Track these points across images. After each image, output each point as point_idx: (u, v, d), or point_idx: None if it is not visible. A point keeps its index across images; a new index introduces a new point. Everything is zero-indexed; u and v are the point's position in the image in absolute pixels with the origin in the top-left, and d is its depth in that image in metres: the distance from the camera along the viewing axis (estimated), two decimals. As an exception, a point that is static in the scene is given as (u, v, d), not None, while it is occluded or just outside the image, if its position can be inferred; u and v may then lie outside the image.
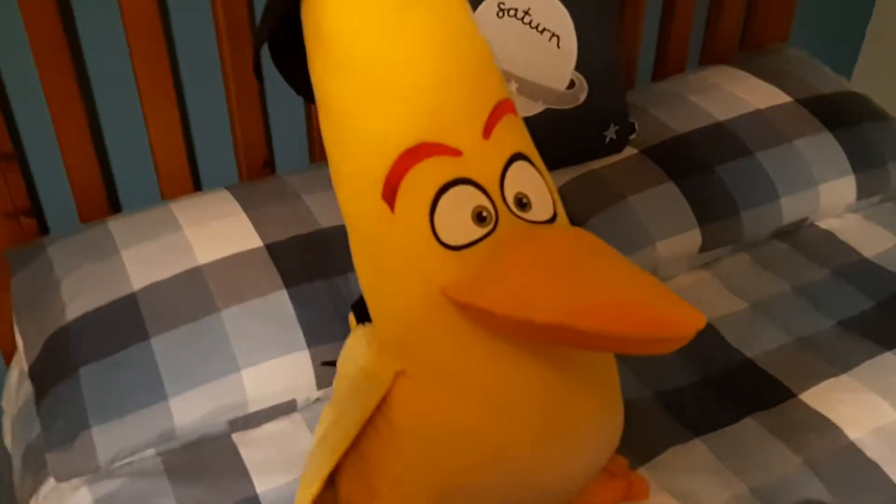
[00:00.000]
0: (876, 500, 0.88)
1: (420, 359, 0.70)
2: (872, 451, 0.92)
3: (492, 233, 0.65)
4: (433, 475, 0.72)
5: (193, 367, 0.93)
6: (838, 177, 1.25)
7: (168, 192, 1.18)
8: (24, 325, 1.01)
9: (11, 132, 1.09)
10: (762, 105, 1.30)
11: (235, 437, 0.96)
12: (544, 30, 1.13)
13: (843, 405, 0.97)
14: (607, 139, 1.22)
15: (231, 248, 1.02)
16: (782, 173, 1.22)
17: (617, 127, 1.22)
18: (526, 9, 1.11)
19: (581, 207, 1.12)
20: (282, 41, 0.72)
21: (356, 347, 0.80)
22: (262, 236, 1.04)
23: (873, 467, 0.90)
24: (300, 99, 1.22)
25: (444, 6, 0.67)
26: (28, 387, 1.00)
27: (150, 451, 0.93)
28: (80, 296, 0.98)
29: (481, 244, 0.65)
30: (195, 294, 0.97)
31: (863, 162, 1.26)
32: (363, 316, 0.80)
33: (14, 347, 1.11)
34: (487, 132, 0.66)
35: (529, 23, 1.12)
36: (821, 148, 1.26)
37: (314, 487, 0.72)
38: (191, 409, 0.92)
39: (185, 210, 1.08)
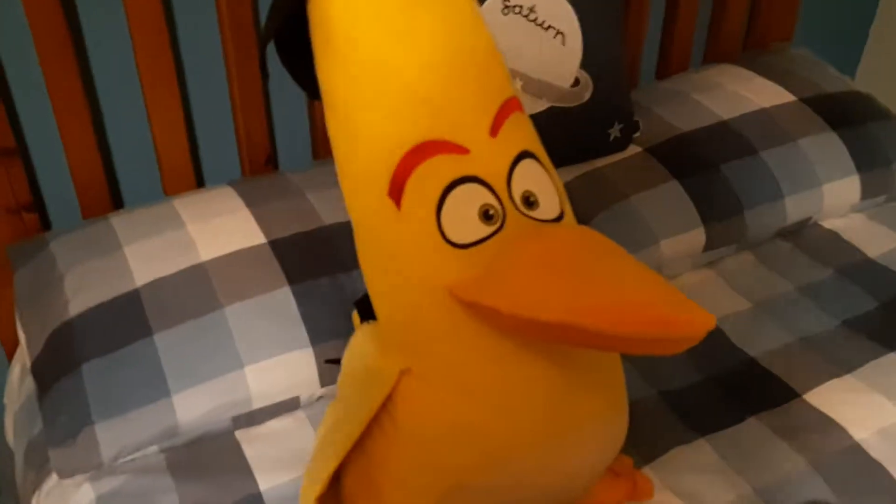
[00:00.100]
0: (880, 500, 0.87)
1: (425, 357, 0.70)
2: (877, 451, 0.92)
3: (499, 231, 0.65)
4: (438, 474, 0.72)
5: (197, 364, 0.93)
6: (842, 176, 1.24)
7: (171, 188, 1.18)
8: (27, 320, 1.01)
9: (14, 127, 1.09)
10: (766, 104, 1.30)
11: (239, 434, 0.96)
12: (549, 27, 1.12)
13: (848, 405, 0.97)
14: (611, 137, 1.22)
15: (234, 244, 1.02)
16: (786, 172, 1.22)
17: (621, 125, 1.22)
18: (531, 6, 1.11)
19: (585, 206, 1.12)
20: (288, 38, 0.72)
21: (361, 345, 0.79)
22: (265, 233, 1.03)
23: (878, 468, 0.90)
24: (303, 95, 1.23)
25: (451, 3, 0.67)
26: (30, 383, 1.00)
27: (154, 448, 0.93)
28: (83, 292, 0.98)
29: (488, 243, 0.65)
30: (198, 290, 0.97)
31: (867, 162, 1.26)
32: (367, 314, 0.80)
33: (16, 343, 1.11)
34: (495, 130, 0.66)
35: (534, 20, 1.11)
36: (825, 147, 1.25)
37: (318, 486, 0.72)
38: (194, 406, 0.92)
39: (189, 206, 1.08)
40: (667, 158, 1.21)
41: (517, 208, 0.66)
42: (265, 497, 0.89)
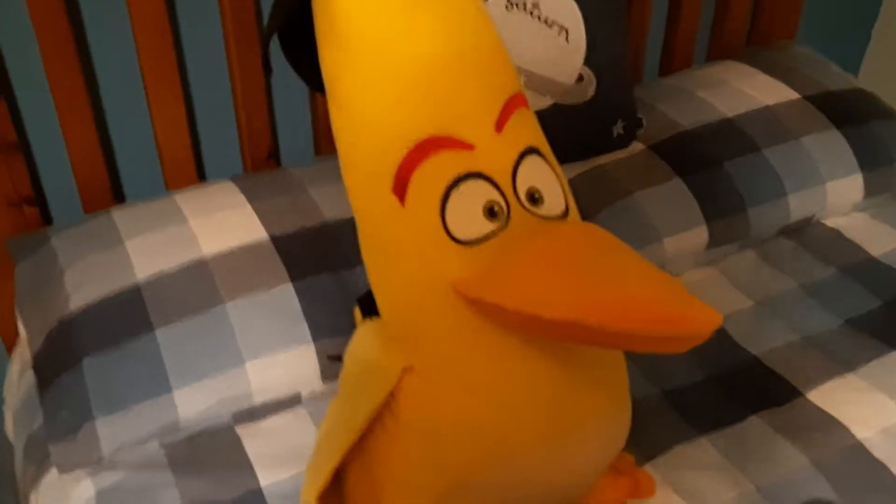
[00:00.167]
0: (882, 499, 0.87)
1: (428, 354, 0.70)
2: (879, 450, 0.92)
3: (503, 228, 0.64)
4: (440, 471, 0.72)
5: (198, 359, 0.93)
6: (846, 175, 1.24)
7: (172, 183, 1.17)
8: (27, 315, 1.01)
9: (15, 121, 1.09)
10: (770, 101, 1.29)
11: (239, 429, 0.95)
12: (553, 23, 1.12)
13: (850, 404, 0.97)
14: (614, 134, 1.22)
15: (236, 239, 1.01)
16: (790, 170, 1.21)
17: (624, 122, 1.22)
18: (535, 2, 1.10)
19: (588, 203, 1.11)
20: (291, 31, 0.71)
21: (363, 342, 0.79)
22: (267, 228, 1.03)
23: (880, 467, 0.90)
24: (305, 90, 1.23)
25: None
26: (30, 377, 1.00)
27: (154, 443, 0.92)
28: (84, 286, 0.97)
29: (492, 239, 0.64)
30: (200, 286, 0.97)
31: (870, 160, 1.26)
32: (369, 310, 0.80)
33: (16, 337, 1.10)
34: (500, 126, 0.66)
35: (538, 16, 1.11)
36: (828, 145, 1.25)
37: (320, 482, 0.72)
38: (195, 401, 0.92)
39: (190, 201, 1.07)
40: (670, 155, 1.20)
41: (522, 205, 0.66)
42: (265, 493, 0.88)
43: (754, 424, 0.95)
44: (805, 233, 1.24)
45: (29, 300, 1.01)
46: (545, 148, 0.70)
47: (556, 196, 0.68)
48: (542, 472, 0.72)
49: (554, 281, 0.59)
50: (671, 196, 1.16)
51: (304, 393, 0.98)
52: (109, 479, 0.89)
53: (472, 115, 0.65)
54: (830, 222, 1.26)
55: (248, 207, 1.06)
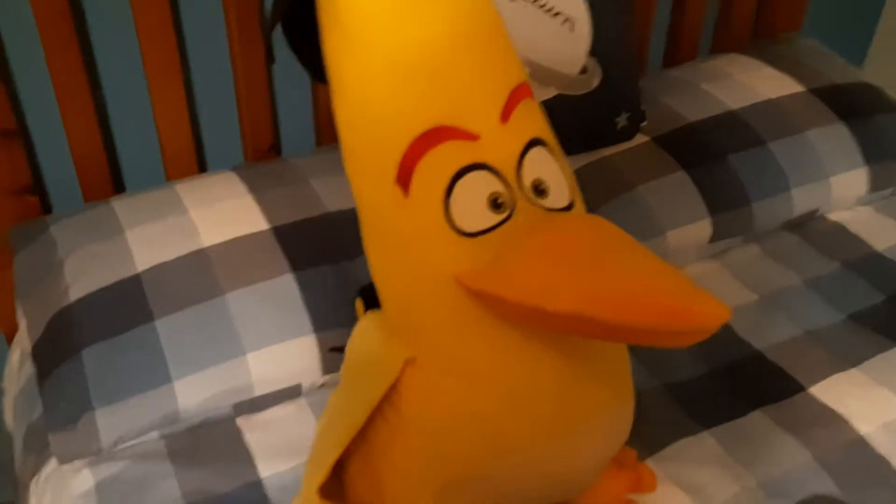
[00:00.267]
0: (885, 495, 0.87)
1: (430, 347, 0.69)
2: (882, 446, 0.91)
3: (508, 220, 0.64)
4: (441, 464, 0.71)
5: (198, 350, 0.92)
6: (850, 168, 1.23)
7: (173, 173, 1.17)
8: (27, 304, 1.01)
9: (15, 109, 1.08)
10: (775, 94, 1.29)
11: (240, 420, 0.95)
12: (558, 13, 1.11)
13: (853, 399, 0.96)
14: (618, 126, 1.21)
15: (237, 230, 1.01)
16: (794, 164, 1.21)
17: (628, 114, 1.21)
18: (539, -8, 1.09)
19: (591, 195, 1.10)
20: (295, 20, 0.70)
21: (365, 334, 0.78)
22: (268, 219, 1.02)
23: (882, 462, 0.90)
24: (307, 80, 1.22)
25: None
26: (30, 367, 0.99)
27: (154, 434, 0.92)
28: (84, 276, 0.97)
29: (497, 231, 0.64)
30: (200, 276, 0.96)
31: (875, 154, 1.25)
32: (371, 302, 0.79)
33: (16, 327, 1.10)
34: (505, 116, 0.65)
35: (542, 6, 1.10)
36: (833, 139, 1.24)
37: (321, 474, 0.71)
38: (195, 392, 0.91)
39: (191, 191, 1.07)
40: (674, 148, 1.20)
41: (527, 197, 0.65)
42: (265, 484, 0.88)
43: (756, 419, 0.94)
44: (809, 227, 1.23)
45: (29, 290, 1.01)
46: (551, 139, 0.69)
47: (561, 188, 0.67)
48: (544, 466, 0.72)
49: (559, 273, 0.58)
50: (675, 189, 1.15)
51: (305, 384, 0.97)
52: (109, 469, 0.89)
53: (478, 104, 0.64)
54: (835, 216, 1.25)
55: (249, 198, 1.05)
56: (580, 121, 1.17)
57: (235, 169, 1.13)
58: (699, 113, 1.25)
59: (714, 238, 1.16)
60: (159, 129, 1.13)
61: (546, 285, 0.58)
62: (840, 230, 1.23)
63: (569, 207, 0.68)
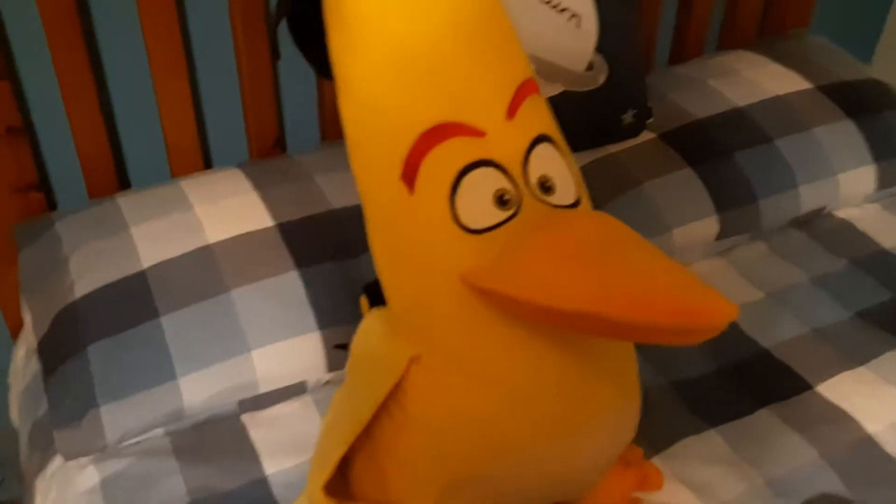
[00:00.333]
0: (893, 494, 0.86)
1: (436, 344, 0.69)
2: (890, 444, 0.91)
3: (514, 217, 0.63)
4: (446, 461, 0.71)
5: (203, 347, 0.92)
6: (858, 166, 1.23)
7: (178, 170, 1.17)
8: (32, 301, 1.01)
9: (21, 106, 1.08)
10: (782, 91, 1.28)
11: (245, 417, 0.95)
12: (564, 9, 1.10)
13: (860, 398, 0.96)
14: (625, 123, 1.20)
15: (242, 227, 1.01)
16: (801, 161, 1.20)
17: (635, 111, 1.20)
18: (546, -12, 1.09)
19: (597, 192, 1.09)
20: (301, 16, 0.70)
21: (370, 331, 0.78)
22: (273, 216, 1.02)
23: (890, 461, 0.89)
24: (312, 77, 1.21)
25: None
26: (35, 363, 0.99)
27: (159, 431, 0.92)
28: (89, 272, 0.97)
29: (503, 228, 0.63)
30: (205, 273, 0.96)
31: (883, 151, 1.24)
32: (376, 299, 0.79)
33: (21, 323, 1.10)
34: (511, 113, 0.65)
35: (549, 2, 1.09)
36: (841, 136, 1.24)
37: (326, 471, 0.71)
38: (200, 389, 0.91)
39: (196, 188, 1.07)
40: (681, 145, 1.19)
41: (533, 193, 0.65)
42: (270, 481, 0.88)
43: (763, 417, 0.94)
44: (816, 224, 1.22)
45: (34, 286, 1.01)
46: (557, 136, 0.69)
47: (567, 185, 0.67)
48: (549, 464, 0.71)
49: (566, 271, 0.58)
50: (681, 186, 1.15)
51: (310, 381, 0.97)
52: (114, 466, 0.89)
53: (484, 101, 0.64)
54: (842, 214, 1.24)
55: (254, 194, 1.05)
56: (586, 117, 1.17)
57: (240, 166, 1.13)
58: (706, 110, 1.24)
59: (721, 235, 1.15)
60: (164, 126, 1.13)
61: (552, 283, 0.58)
62: (848, 228, 1.22)
63: (575, 204, 0.67)
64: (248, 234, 1.00)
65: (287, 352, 0.94)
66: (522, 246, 0.61)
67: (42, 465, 0.92)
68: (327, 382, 0.98)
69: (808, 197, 1.20)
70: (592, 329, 0.57)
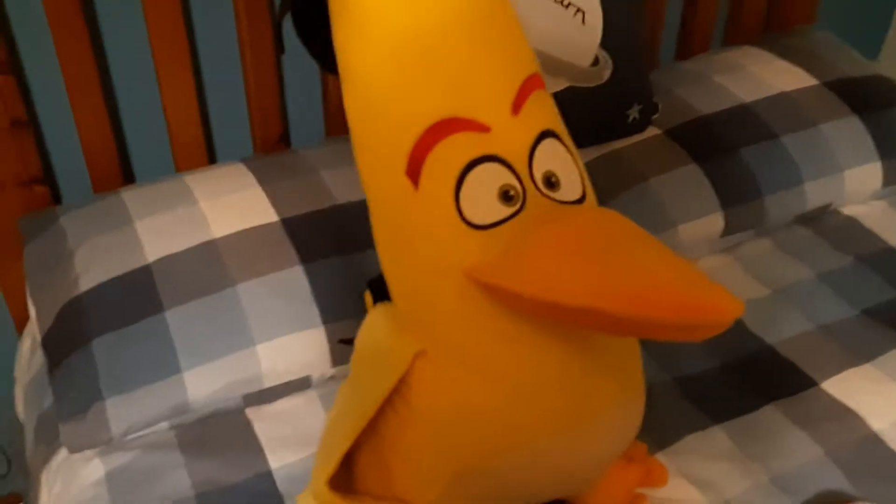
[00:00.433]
0: (897, 491, 0.86)
1: (440, 340, 0.69)
2: (894, 442, 0.91)
3: (519, 212, 0.63)
4: (451, 457, 0.71)
5: (208, 341, 0.92)
6: (864, 162, 1.22)
7: (182, 164, 1.17)
8: (37, 294, 1.01)
9: (25, 99, 1.08)
10: (788, 87, 1.27)
11: (249, 412, 0.95)
12: (569, 4, 1.10)
13: (866, 395, 0.96)
14: (630, 119, 1.20)
15: (246, 221, 1.01)
16: (807, 157, 1.19)
17: (640, 106, 1.20)
18: (551, -17, 1.09)
19: (602, 188, 1.09)
20: (305, 11, 0.70)
21: (375, 326, 0.78)
22: (277, 211, 1.02)
23: (895, 458, 0.89)
24: (317, 72, 1.21)
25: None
26: (40, 356, 1.00)
27: (164, 424, 0.92)
28: (94, 266, 0.97)
29: (507, 224, 0.63)
30: (210, 267, 0.96)
31: (890, 148, 1.24)
32: (380, 294, 0.79)
33: (26, 316, 1.10)
34: (517, 108, 0.64)
35: (554, -3, 1.09)
36: (847, 132, 1.23)
37: (330, 466, 0.71)
38: (205, 383, 0.91)
39: (201, 182, 1.07)
40: (686, 141, 1.19)
41: (538, 189, 0.65)
42: (275, 475, 0.88)
43: (768, 414, 0.94)
44: (822, 221, 1.22)
45: (39, 280, 1.01)
46: (562, 131, 0.69)
47: (572, 180, 0.67)
48: (553, 459, 0.71)
49: (571, 266, 0.58)
50: (687, 182, 1.14)
51: (315, 376, 0.97)
52: (119, 459, 0.89)
53: (489, 96, 0.64)
54: (848, 210, 1.24)
55: (259, 189, 1.05)
56: (591, 113, 1.16)
57: (245, 160, 1.12)
58: (711, 106, 1.24)
59: (726, 232, 1.15)
60: (169, 120, 1.13)
61: (557, 278, 0.58)
62: (854, 224, 1.22)
63: (580, 200, 0.67)
64: (252, 228, 1.00)
65: (292, 346, 0.94)
66: (527, 241, 0.61)
67: (47, 458, 0.92)
68: (332, 377, 0.98)
69: (814, 193, 1.19)
70: (596, 324, 0.57)
